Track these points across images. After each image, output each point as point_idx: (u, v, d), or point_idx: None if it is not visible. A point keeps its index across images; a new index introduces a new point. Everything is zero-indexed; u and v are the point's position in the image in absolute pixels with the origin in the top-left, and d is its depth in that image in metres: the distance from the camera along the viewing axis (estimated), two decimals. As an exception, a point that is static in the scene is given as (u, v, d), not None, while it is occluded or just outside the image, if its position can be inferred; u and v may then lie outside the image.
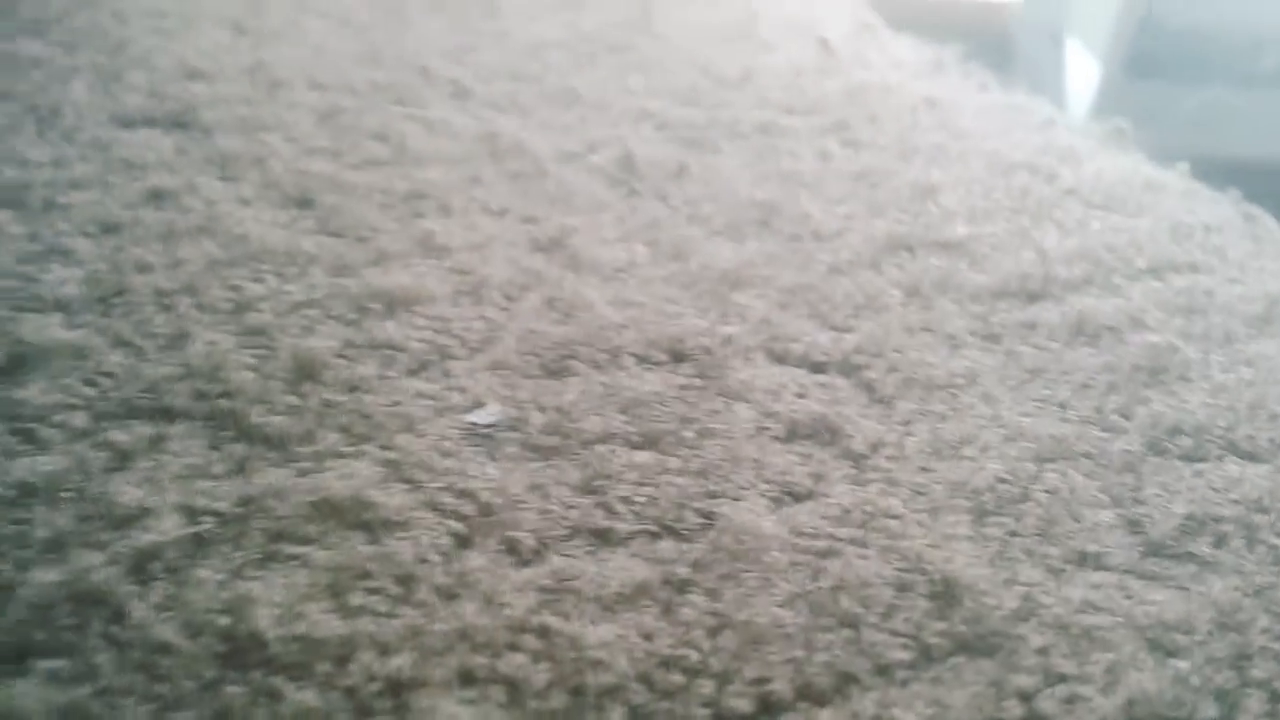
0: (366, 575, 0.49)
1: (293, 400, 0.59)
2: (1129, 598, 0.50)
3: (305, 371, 0.60)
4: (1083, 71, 2.08)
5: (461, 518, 0.52)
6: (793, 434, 0.58)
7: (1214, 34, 1.88)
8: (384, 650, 0.46)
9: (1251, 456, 0.58)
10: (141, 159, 0.81)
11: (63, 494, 0.53)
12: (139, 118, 0.86)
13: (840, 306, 0.67)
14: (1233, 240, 0.76)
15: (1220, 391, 0.62)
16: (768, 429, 0.58)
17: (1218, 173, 0.85)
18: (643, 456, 0.56)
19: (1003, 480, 0.55)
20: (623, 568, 0.50)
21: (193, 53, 0.96)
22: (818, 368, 0.63)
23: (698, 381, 0.62)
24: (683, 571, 0.50)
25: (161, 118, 0.86)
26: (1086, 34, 2.17)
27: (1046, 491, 0.55)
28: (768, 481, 0.55)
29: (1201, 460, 0.58)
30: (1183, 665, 0.47)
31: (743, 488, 0.54)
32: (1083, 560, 0.52)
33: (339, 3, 1.07)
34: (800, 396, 0.60)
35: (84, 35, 1.00)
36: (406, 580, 0.49)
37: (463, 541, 0.51)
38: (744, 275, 0.70)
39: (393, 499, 0.52)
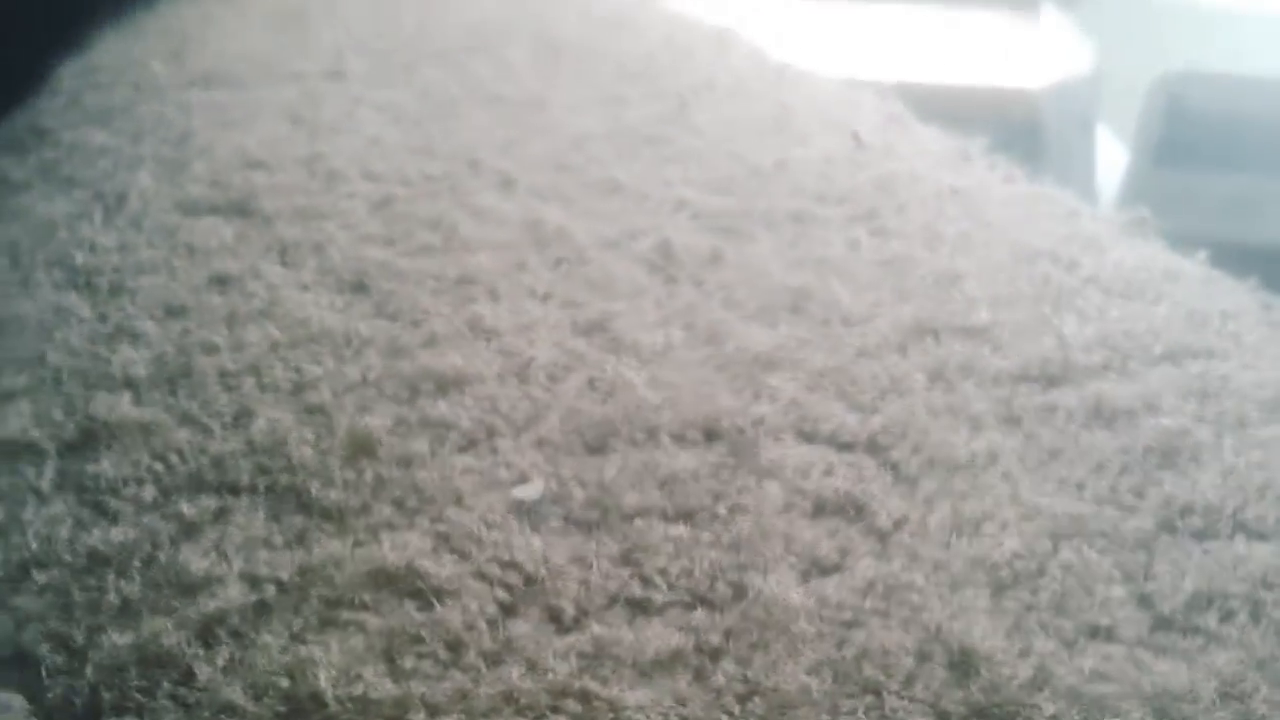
0: (418, 640, 0.52)
1: (349, 475, 0.61)
2: (1138, 668, 0.52)
3: (361, 448, 0.63)
4: (1111, 159, 2.10)
5: (507, 587, 0.55)
6: (820, 510, 0.60)
7: (1241, 123, 1.90)
8: (434, 711, 0.49)
9: (1260, 536, 0.60)
10: (205, 245, 0.84)
11: (133, 563, 0.56)
12: (203, 205, 0.89)
13: (867, 389, 0.70)
14: (1248, 327, 0.78)
15: (1231, 473, 0.64)
16: (796, 505, 0.60)
17: (1239, 260, 0.87)
18: (678, 530, 0.58)
19: (1020, 556, 0.57)
20: (658, 635, 0.52)
21: (253, 143, 0.99)
22: (845, 447, 0.65)
23: (730, 460, 0.64)
24: (715, 640, 0.52)
25: (224, 205, 0.89)
26: (1115, 122, 2.19)
27: (1062, 567, 0.57)
28: (796, 555, 0.57)
29: (1212, 539, 0.59)
30: (1187, 732, 0.49)
31: (772, 561, 0.56)
32: (1094, 633, 0.54)
33: (392, 97, 1.10)
34: (828, 475, 0.63)
35: (148, 126, 1.03)
36: (455, 645, 0.52)
37: (508, 609, 0.54)
38: (775, 358, 0.73)
39: (443, 569, 0.55)
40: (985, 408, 0.67)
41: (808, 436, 0.66)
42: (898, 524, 0.59)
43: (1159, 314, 0.77)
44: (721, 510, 0.60)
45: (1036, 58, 1.89)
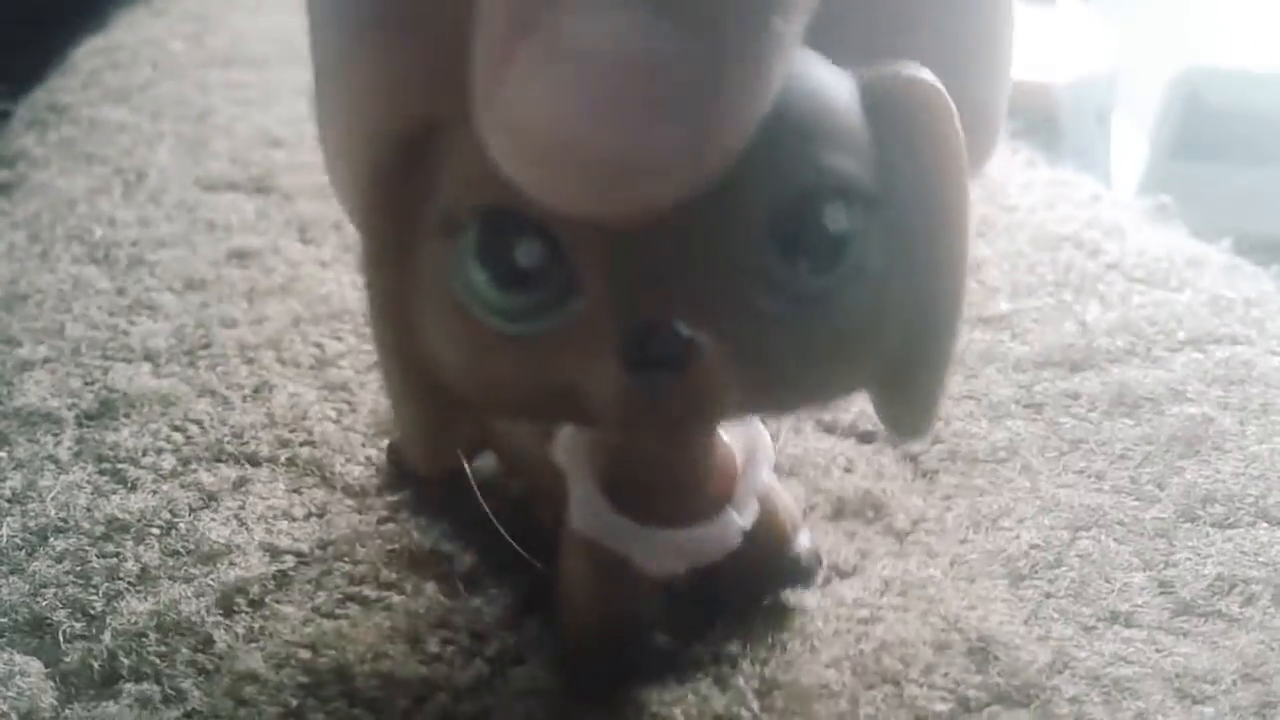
0: (444, 625, 0.51)
1: (371, 453, 0.60)
2: (1159, 651, 0.51)
3: (384, 427, 0.62)
4: (1129, 151, 2.10)
5: (531, 579, 0.52)
6: (839, 512, 0.58)
7: (1261, 115, 1.90)
8: (458, 696, 0.47)
9: (1281, 523, 0.59)
10: (225, 220, 0.83)
11: (152, 530, 0.55)
12: (222, 182, 0.89)
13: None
14: (1272, 314, 0.75)
15: (1254, 461, 0.62)
16: (816, 506, 0.58)
17: (1261, 250, 0.83)
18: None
19: (1037, 547, 0.56)
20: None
21: (273, 121, 0.98)
22: (866, 438, 0.63)
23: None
24: (733, 649, 0.50)
25: (244, 182, 0.89)
26: (1133, 114, 2.19)
27: (1079, 557, 0.55)
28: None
29: (1233, 527, 0.58)
30: (1208, 711, 0.48)
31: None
32: (1114, 618, 0.52)
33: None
34: (848, 471, 0.60)
35: (168, 104, 1.03)
36: (480, 636, 0.50)
37: (532, 604, 0.52)
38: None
39: (468, 557, 0.54)
40: (1008, 394, 0.65)
41: (828, 427, 0.63)
42: (915, 523, 0.57)
43: (1182, 300, 0.75)
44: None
45: (1055, 50, 1.88)
